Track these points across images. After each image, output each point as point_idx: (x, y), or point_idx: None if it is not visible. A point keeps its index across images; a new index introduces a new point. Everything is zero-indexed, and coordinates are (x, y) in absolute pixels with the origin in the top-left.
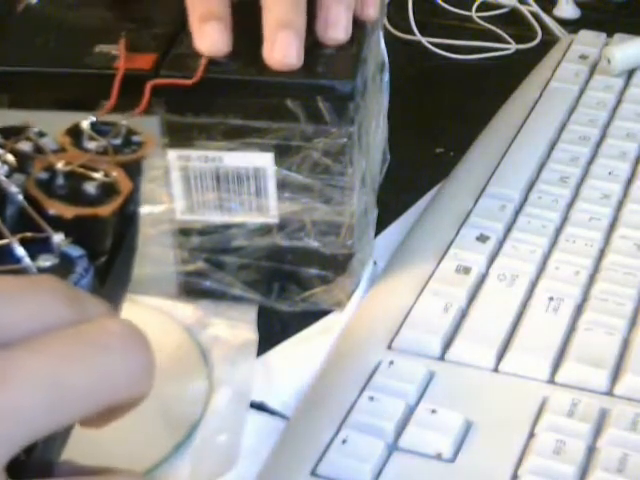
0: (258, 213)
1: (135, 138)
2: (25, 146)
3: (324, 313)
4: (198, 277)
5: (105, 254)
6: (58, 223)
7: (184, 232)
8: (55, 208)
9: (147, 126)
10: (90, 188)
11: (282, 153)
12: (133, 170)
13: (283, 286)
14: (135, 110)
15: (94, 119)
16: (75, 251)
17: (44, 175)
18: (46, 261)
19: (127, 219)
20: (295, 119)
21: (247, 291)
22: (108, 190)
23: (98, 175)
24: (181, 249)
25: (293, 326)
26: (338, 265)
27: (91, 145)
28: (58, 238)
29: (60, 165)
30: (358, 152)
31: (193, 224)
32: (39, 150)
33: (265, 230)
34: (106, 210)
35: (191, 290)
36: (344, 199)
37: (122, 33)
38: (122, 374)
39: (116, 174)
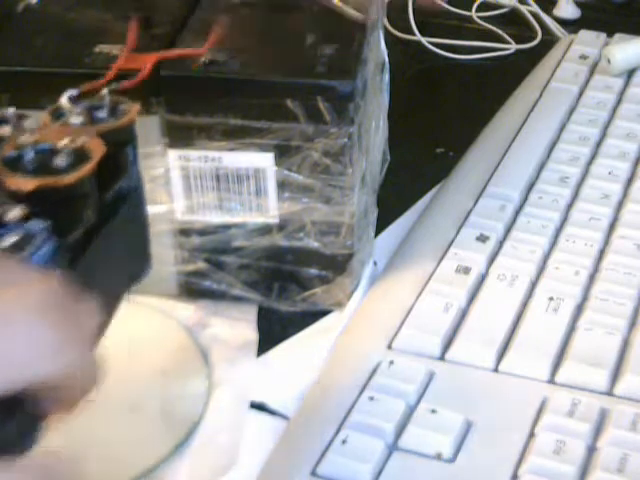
0: (258, 213)
1: (121, 107)
2: (4, 129)
3: (324, 313)
4: (198, 277)
5: (77, 228)
6: (23, 199)
7: (184, 232)
8: (14, 183)
9: (147, 126)
10: (60, 160)
11: (282, 153)
12: (122, 138)
13: (283, 286)
14: (129, 80)
15: (74, 93)
16: (38, 224)
17: (12, 153)
18: (11, 239)
19: (120, 196)
20: (295, 119)
21: (247, 291)
22: (79, 159)
23: (64, 142)
24: (181, 249)
25: (293, 326)
26: (338, 265)
27: (75, 120)
28: (14, 213)
29: (24, 138)
30: (358, 152)
31: (193, 224)
32: (18, 131)
33: (265, 230)
34: (70, 178)
35: (191, 290)
36: (344, 199)
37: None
38: (20, 349)
39: (86, 139)
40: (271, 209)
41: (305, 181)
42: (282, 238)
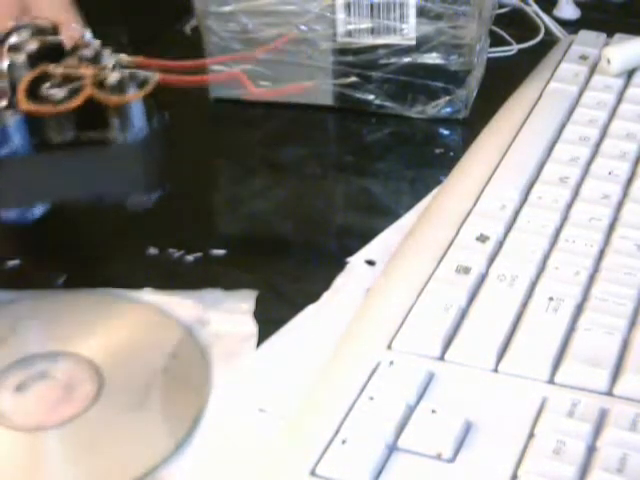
0: (400, 36)
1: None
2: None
3: (319, 294)
4: (351, 89)
5: None
6: None
7: (342, 52)
8: None
9: None
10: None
11: None
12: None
13: (415, 97)
14: None
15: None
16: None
17: None
18: None
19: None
20: None
21: (387, 101)
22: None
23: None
24: (339, 65)
25: (289, 310)
26: (459, 79)
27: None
28: None
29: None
30: None
31: (350, 45)
32: None
33: (405, 50)
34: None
35: (343, 100)
36: (467, 24)
37: None
38: None
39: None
40: (410, 33)
41: (438, 10)
42: (417, 56)
